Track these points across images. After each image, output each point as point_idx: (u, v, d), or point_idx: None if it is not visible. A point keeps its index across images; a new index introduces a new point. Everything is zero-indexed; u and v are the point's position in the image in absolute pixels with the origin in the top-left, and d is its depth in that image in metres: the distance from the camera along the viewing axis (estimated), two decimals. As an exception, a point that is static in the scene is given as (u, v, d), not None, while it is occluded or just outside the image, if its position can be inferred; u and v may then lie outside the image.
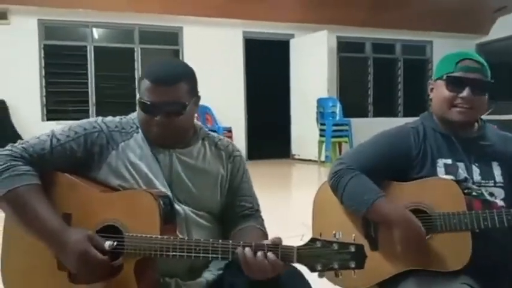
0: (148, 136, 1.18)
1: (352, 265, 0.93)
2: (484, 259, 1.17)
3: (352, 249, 0.93)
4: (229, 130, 7.27)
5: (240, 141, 7.68)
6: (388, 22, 8.23)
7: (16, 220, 1.06)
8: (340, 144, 7.28)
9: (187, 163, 1.20)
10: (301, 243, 0.97)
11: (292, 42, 8.11)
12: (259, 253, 0.96)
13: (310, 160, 7.64)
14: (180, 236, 1.09)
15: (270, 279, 0.97)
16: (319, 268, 0.94)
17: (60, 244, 1.02)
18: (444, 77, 1.28)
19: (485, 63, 1.29)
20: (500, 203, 1.25)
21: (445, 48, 8.67)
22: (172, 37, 7.60)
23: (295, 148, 8.25)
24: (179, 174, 1.18)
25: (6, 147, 1.10)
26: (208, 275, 1.15)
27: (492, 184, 1.27)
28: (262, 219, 1.28)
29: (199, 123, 1.31)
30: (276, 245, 0.96)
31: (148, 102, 1.12)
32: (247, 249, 0.97)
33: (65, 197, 1.12)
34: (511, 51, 8.60)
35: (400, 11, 7.99)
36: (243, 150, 8.03)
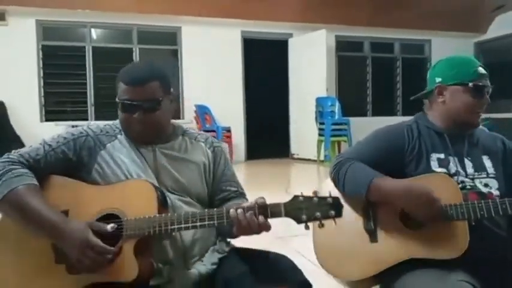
0: (130, 134, 1.27)
1: (332, 214, 1.07)
2: (481, 254, 1.19)
3: (330, 200, 1.08)
4: (228, 130, 7.27)
5: (239, 140, 7.69)
6: (386, 21, 8.24)
7: (17, 218, 1.11)
8: (339, 143, 7.28)
9: (170, 155, 1.29)
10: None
11: (290, 41, 8.11)
12: (249, 212, 1.07)
13: (309, 159, 7.65)
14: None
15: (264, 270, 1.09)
16: (304, 219, 1.07)
17: (62, 235, 1.06)
18: (470, 85, 1.35)
19: None
20: (496, 192, 1.31)
21: (443, 47, 8.69)
22: (171, 37, 7.60)
23: (294, 147, 8.25)
24: (164, 165, 1.27)
25: (3, 156, 1.18)
26: (202, 268, 1.19)
27: (485, 175, 1.34)
28: (247, 200, 1.34)
29: (176, 122, 1.40)
30: (265, 204, 1.08)
31: (126, 102, 1.22)
32: (239, 210, 1.07)
33: (60, 197, 1.16)
34: (509, 50, 8.61)
35: (398, 11, 8.00)
36: (242, 149, 8.09)
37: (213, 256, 1.23)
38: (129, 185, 1.17)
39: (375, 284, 1.32)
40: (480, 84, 1.35)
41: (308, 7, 7.62)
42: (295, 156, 8.15)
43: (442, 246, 1.21)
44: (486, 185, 1.32)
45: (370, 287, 1.34)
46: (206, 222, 1.09)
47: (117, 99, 1.25)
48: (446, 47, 8.37)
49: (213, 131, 6.84)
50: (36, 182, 1.14)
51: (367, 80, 8.83)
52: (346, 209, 1.31)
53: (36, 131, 6.25)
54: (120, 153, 1.25)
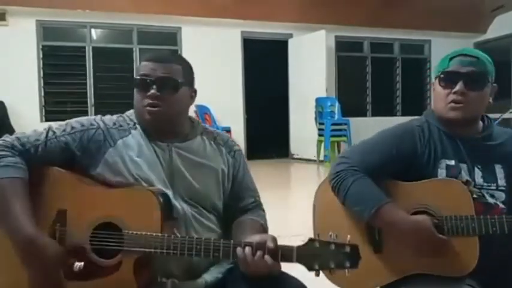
0: (141, 121, 1.18)
1: (347, 265, 0.97)
2: (487, 261, 1.15)
3: (348, 249, 0.98)
4: (228, 130, 7.27)
5: (239, 141, 7.66)
6: (386, 21, 8.24)
7: None
8: (338, 143, 7.29)
9: (187, 158, 1.19)
10: (301, 243, 1.00)
11: (290, 42, 8.11)
12: (259, 253, 0.98)
13: (309, 159, 7.65)
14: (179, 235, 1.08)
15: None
16: (316, 267, 0.98)
17: (29, 253, 1.00)
18: (439, 73, 1.26)
19: (483, 57, 1.24)
20: (501, 205, 1.23)
21: (443, 47, 8.68)
22: (171, 37, 7.59)
23: (294, 148, 8.25)
24: (179, 169, 1.17)
25: (0, 138, 1.10)
26: (208, 277, 1.13)
27: (494, 187, 1.24)
28: (264, 212, 1.29)
29: (196, 118, 1.32)
30: (276, 246, 0.99)
31: (143, 76, 1.15)
32: (247, 248, 0.99)
33: (61, 193, 1.09)
34: (508, 50, 8.61)
35: (398, 10, 8.00)
36: (242, 150, 8.01)
37: (220, 266, 1.16)
38: (133, 194, 1.08)
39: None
40: (448, 70, 1.23)
41: (308, 7, 7.61)
42: (295, 156, 8.15)
43: (450, 262, 1.15)
44: (492, 196, 1.23)
45: None
46: (211, 254, 1.01)
47: (134, 78, 1.18)
48: (446, 47, 8.31)
49: (213, 131, 6.83)
50: (23, 175, 1.04)
51: (366, 80, 8.83)
52: (349, 214, 1.26)
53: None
54: (131, 151, 1.14)
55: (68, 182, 1.11)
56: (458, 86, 1.21)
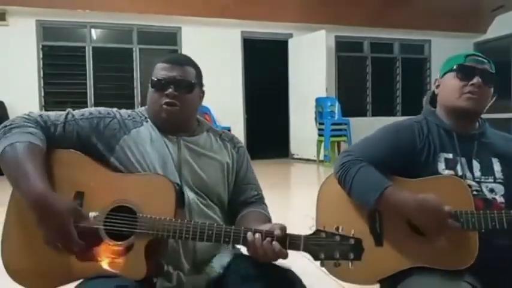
0: (156, 118, 1.25)
1: (351, 256, 1.02)
2: (486, 257, 1.16)
3: (352, 242, 1.02)
4: (228, 130, 7.24)
5: (239, 141, 7.68)
6: (386, 21, 8.24)
7: (8, 175, 1.05)
8: (339, 143, 7.29)
9: (194, 150, 1.26)
10: (309, 232, 1.04)
11: (290, 41, 8.11)
12: (268, 239, 1.02)
13: (309, 159, 7.65)
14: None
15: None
16: (322, 257, 1.02)
17: (41, 209, 1.01)
18: (455, 67, 1.32)
19: (491, 62, 1.34)
20: (500, 199, 1.26)
21: (443, 47, 8.70)
22: (171, 37, 7.60)
23: (294, 148, 8.25)
24: (187, 160, 1.24)
25: (25, 113, 1.17)
26: (211, 271, 1.16)
27: (492, 180, 1.28)
28: (266, 206, 1.34)
29: (201, 118, 1.39)
30: (285, 234, 1.03)
31: (161, 77, 1.23)
32: (257, 234, 1.03)
33: (79, 175, 1.13)
34: (508, 50, 8.62)
35: (398, 10, 8.00)
36: (245, 147, 8.03)
37: (222, 259, 1.19)
38: (149, 180, 1.13)
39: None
40: (465, 64, 1.31)
41: (308, 7, 7.62)
42: (295, 156, 8.15)
43: (450, 256, 1.17)
44: (491, 191, 1.26)
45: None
46: (222, 239, 1.05)
47: (151, 79, 1.25)
48: (446, 47, 8.38)
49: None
50: (43, 146, 1.10)
51: (366, 80, 8.83)
52: (352, 208, 1.29)
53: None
54: (143, 141, 1.21)
55: (86, 165, 1.15)
56: (476, 79, 1.28)
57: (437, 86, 1.41)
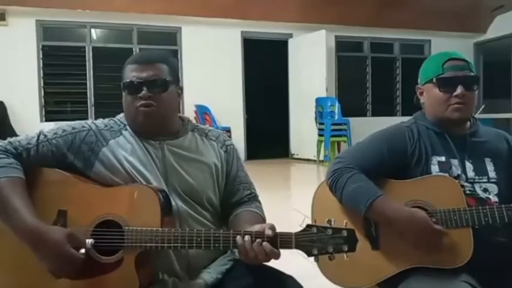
0: (135, 123, 1.19)
1: (345, 248, 1.00)
2: (485, 257, 1.17)
3: (345, 233, 1.00)
4: (228, 130, 7.26)
5: (239, 141, 7.68)
6: (386, 21, 8.24)
7: None
8: (339, 143, 7.29)
9: (179, 154, 1.21)
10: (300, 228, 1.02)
11: (290, 41, 8.11)
12: (257, 240, 1.00)
13: (309, 159, 7.65)
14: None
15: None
16: (315, 252, 1.00)
17: (38, 243, 0.99)
18: (434, 80, 1.32)
19: (469, 60, 1.33)
20: (494, 198, 1.27)
21: (443, 47, 8.68)
22: (171, 37, 7.59)
23: (294, 148, 8.25)
24: (172, 165, 1.19)
25: None
26: (208, 277, 1.13)
27: (486, 180, 1.29)
28: (260, 203, 1.30)
29: (186, 116, 1.33)
30: (275, 233, 1.01)
31: (132, 79, 1.16)
32: (246, 237, 1.00)
33: (60, 194, 1.10)
34: (508, 50, 8.61)
35: (398, 10, 8.00)
36: (242, 150, 8.07)
37: (219, 265, 1.17)
38: (132, 191, 1.09)
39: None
40: (446, 76, 1.29)
41: (308, 7, 7.61)
42: (295, 156, 8.15)
43: (446, 255, 1.18)
44: (485, 190, 1.27)
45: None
46: (211, 245, 1.03)
47: (122, 82, 1.19)
48: (446, 47, 8.34)
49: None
50: (21, 175, 1.06)
51: (366, 80, 8.83)
52: (346, 212, 1.29)
53: (36, 131, 6.20)
54: (124, 151, 1.16)
55: (67, 182, 1.12)
56: (460, 90, 1.28)
57: (421, 93, 1.40)
